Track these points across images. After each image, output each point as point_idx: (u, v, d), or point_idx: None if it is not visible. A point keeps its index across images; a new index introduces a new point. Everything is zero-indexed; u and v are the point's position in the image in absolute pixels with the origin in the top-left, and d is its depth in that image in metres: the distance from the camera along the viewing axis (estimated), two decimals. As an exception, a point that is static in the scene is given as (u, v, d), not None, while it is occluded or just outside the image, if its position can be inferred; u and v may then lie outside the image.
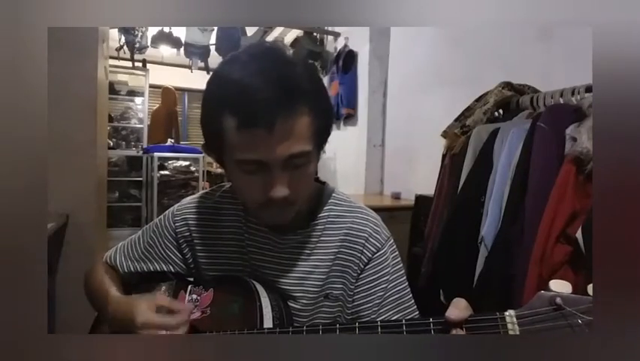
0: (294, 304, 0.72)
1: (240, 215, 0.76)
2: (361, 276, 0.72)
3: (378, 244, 0.73)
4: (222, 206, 0.77)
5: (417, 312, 0.74)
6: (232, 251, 0.75)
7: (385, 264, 0.73)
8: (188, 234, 0.77)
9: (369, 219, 0.74)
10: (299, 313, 0.71)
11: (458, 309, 0.49)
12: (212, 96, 0.61)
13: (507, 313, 0.47)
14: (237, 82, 0.56)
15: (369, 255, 0.72)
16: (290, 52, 0.62)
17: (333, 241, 0.73)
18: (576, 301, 0.44)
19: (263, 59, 0.58)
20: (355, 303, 0.72)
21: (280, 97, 0.55)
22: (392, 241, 0.76)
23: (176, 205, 0.80)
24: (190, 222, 0.77)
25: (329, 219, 0.74)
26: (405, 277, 0.75)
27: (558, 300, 0.44)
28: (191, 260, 0.78)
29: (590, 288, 0.44)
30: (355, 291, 0.72)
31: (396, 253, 0.76)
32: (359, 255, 0.72)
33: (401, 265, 0.76)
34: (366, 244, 0.72)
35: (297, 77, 0.57)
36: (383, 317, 0.71)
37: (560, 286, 0.46)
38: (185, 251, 0.77)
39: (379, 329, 0.53)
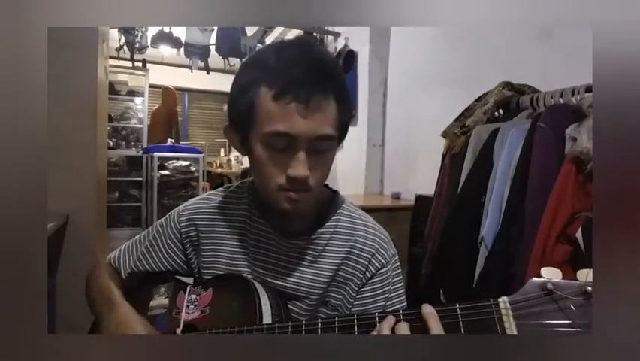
0: (292, 307, 0.72)
1: (244, 215, 0.76)
2: (362, 290, 0.72)
3: (383, 261, 0.73)
4: (227, 206, 0.77)
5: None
6: (235, 252, 0.75)
7: (387, 281, 0.73)
8: (193, 234, 0.77)
9: (377, 234, 0.74)
10: (296, 317, 0.71)
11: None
12: (248, 70, 0.63)
13: (500, 299, 0.49)
14: (276, 58, 0.60)
15: (374, 270, 0.72)
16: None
17: (338, 252, 0.72)
18: (566, 285, 0.46)
19: (298, 46, 0.62)
20: None
21: (316, 76, 0.58)
22: (397, 258, 0.76)
23: (181, 206, 0.80)
24: (196, 222, 0.77)
25: (336, 230, 0.74)
26: (404, 296, 0.75)
27: (549, 285, 0.46)
28: (193, 261, 0.78)
29: (579, 274, 0.46)
30: (354, 303, 0.72)
31: (399, 270, 0.76)
32: (363, 270, 0.72)
33: (402, 283, 0.76)
34: (372, 259, 0.72)
35: (329, 64, 0.61)
36: None
37: (550, 273, 0.48)
38: (188, 252, 0.77)
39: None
